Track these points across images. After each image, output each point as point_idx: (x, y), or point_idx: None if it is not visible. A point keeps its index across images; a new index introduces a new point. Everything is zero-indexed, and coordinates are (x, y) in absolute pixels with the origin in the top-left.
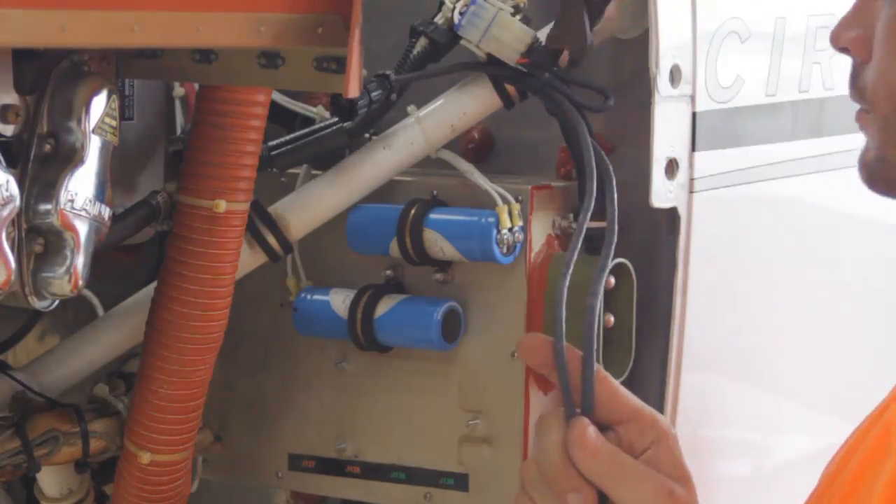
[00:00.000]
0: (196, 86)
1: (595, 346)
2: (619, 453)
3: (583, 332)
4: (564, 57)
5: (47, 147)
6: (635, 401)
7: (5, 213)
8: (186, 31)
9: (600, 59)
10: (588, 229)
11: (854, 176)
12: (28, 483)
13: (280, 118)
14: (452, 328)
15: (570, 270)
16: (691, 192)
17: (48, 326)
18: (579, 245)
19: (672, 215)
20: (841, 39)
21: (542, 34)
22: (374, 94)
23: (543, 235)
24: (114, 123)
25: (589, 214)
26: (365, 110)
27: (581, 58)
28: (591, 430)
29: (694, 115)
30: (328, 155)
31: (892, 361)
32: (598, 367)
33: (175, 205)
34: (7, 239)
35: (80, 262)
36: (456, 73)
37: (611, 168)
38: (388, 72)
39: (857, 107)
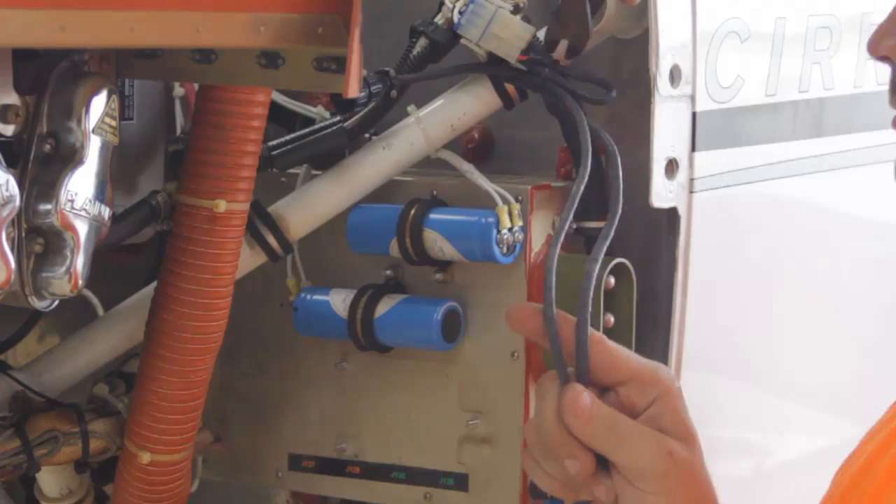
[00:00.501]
0: (196, 86)
1: (590, 311)
2: (615, 416)
3: (579, 298)
4: (562, 49)
5: (47, 147)
6: (635, 360)
7: (5, 213)
8: (186, 31)
9: (600, 60)
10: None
11: (854, 176)
12: (28, 483)
13: (280, 118)
14: (452, 328)
15: (562, 238)
16: (691, 192)
17: (48, 326)
18: (571, 216)
19: (672, 215)
20: (881, 48)
21: (543, 33)
22: (373, 87)
23: (543, 235)
24: (114, 123)
25: (584, 183)
26: (364, 103)
27: (581, 48)
28: (585, 395)
29: (694, 115)
30: (328, 155)
31: (891, 361)
32: (593, 332)
33: (175, 205)
34: (7, 239)
35: (80, 262)
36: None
37: (619, 161)
38: (387, 69)
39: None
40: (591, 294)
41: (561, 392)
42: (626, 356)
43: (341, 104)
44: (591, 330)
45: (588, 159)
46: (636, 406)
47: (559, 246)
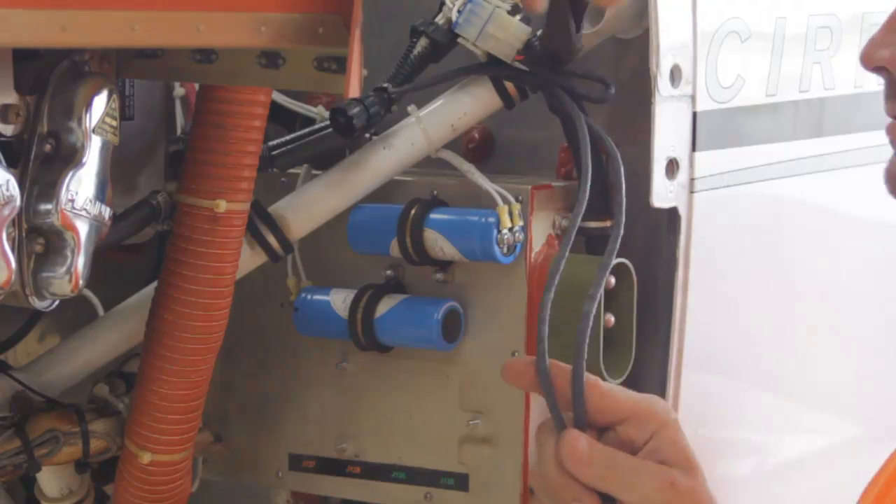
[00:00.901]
0: (196, 86)
1: (584, 356)
2: (613, 455)
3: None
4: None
5: (48, 147)
6: (630, 397)
7: (6, 212)
8: (187, 31)
9: (600, 59)
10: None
11: (854, 176)
12: (28, 483)
13: (281, 118)
14: (453, 328)
15: (556, 280)
16: (692, 192)
17: (48, 326)
18: (569, 245)
19: (672, 215)
20: (874, 59)
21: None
22: (372, 109)
23: (544, 235)
24: (114, 123)
25: (581, 214)
26: (364, 126)
27: (569, 60)
28: (581, 440)
29: (694, 114)
30: (328, 155)
31: (892, 361)
32: (587, 375)
33: (175, 205)
34: (7, 239)
35: (81, 261)
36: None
37: (622, 168)
38: (385, 84)
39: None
40: (588, 338)
41: (558, 439)
42: (622, 395)
43: (342, 128)
44: (585, 375)
45: (588, 179)
46: (636, 442)
47: (553, 291)
